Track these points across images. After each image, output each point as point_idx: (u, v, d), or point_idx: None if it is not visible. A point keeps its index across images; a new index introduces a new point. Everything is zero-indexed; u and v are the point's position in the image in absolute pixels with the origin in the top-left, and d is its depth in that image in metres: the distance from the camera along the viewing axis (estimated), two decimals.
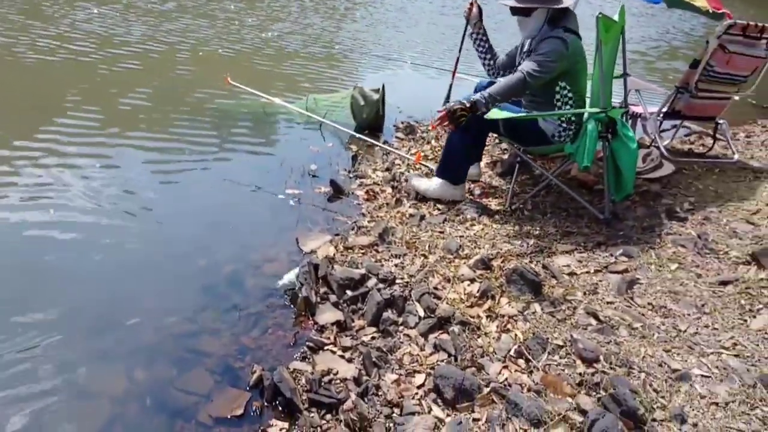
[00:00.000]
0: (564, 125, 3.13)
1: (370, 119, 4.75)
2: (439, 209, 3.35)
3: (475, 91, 3.71)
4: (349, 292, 2.51)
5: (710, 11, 3.54)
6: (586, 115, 2.94)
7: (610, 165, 2.97)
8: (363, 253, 2.82)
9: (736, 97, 3.98)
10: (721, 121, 4.06)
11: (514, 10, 3.07)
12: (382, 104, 4.76)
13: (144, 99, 4.79)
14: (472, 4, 3.54)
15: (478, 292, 2.43)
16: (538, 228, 3.06)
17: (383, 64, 6.77)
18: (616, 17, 2.85)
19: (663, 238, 2.87)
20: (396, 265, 2.70)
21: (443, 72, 5.29)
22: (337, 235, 3.10)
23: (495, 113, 2.91)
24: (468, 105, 2.95)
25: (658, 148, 3.82)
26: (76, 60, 5.47)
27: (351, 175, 3.98)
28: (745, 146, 4.69)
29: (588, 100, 3.23)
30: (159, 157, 3.97)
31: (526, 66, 2.94)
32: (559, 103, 3.09)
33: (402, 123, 5.00)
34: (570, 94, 3.06)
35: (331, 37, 7.28)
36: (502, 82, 3.01)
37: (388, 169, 4.05)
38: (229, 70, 5.28)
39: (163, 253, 2.94)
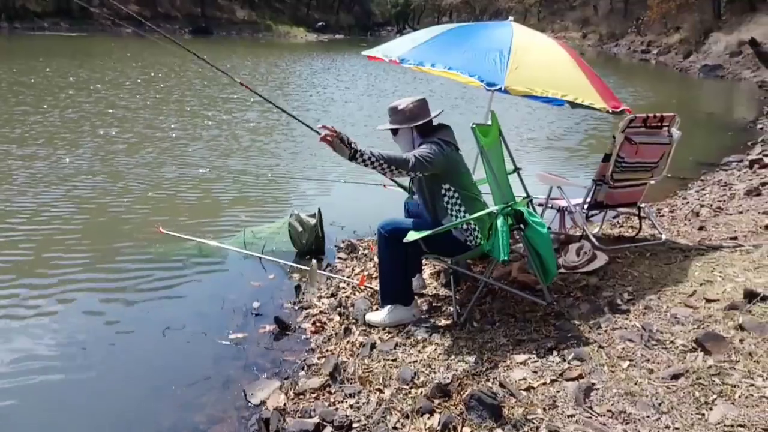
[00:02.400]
0: (468, 229, 3.21)
1: (311, 244, 4.76)
2: (389, 333, 3.29)
3: (407, 209, 3.79)
4: None
5: (610, 111, 3.81)
6: (495, 211, 3.08)
7: (533, 253, 3.11)
8: (315, 398, 2.70)
9: (652, 182, 4.22)
10: (643, 205, 4.28)
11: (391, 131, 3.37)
12: (321, 227, 4.80)
13: (76, 256, 4.63)
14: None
15: (439, 424, 2.34)
16: (489, 339, 3.04)
17: (315, 186, 6.81)
18: (489, 122, 3.18)
19: (610, 334, 2.89)
20: (351, 406, 2.59)
21: (376, 186, 5.41)
22: (286, 379, 2.98)
23: (412, 235, 3.00)
24: (352, 149, 2.88)
25: (588, 239, 3.95)
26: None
27: (296, 307, 3.90)
28: (670, 222, 4.93)
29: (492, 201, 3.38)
30: (94, 311, 3.80)
31: (416, 151, 3.10)
32: (448, 206, 3.21)
33: (343, 242, 5.03)
34: (456, 194, 3.20)
35: (255, 173, 7.35)
36: (392, 153, 3.00)
37: (333, 295, 4.00)
38: (159, 220, 5.21)
39: (99, 426, 2.72)
